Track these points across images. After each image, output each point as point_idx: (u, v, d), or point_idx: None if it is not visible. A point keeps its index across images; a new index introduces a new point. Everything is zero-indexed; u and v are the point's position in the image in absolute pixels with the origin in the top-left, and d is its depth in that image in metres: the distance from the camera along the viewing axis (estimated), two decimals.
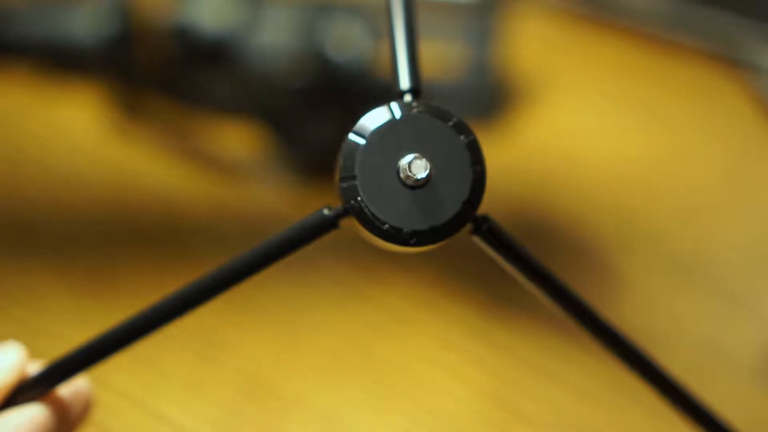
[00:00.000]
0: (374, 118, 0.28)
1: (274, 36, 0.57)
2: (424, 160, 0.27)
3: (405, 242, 0.27)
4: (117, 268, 0.48)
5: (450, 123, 0.28)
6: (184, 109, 0.56)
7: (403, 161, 0.27)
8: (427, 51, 0.61)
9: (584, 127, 0.63)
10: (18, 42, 0.58)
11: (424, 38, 0.60)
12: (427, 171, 0.27)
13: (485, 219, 0.28)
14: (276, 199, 0.55)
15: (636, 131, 0.63)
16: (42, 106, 0.59)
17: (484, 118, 0.61)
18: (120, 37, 0.58)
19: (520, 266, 0.30)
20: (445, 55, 0.61)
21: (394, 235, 0.27)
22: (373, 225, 0.27)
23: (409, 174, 0.27)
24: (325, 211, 0.28)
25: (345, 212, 0.27)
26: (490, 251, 0.29)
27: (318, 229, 0.28)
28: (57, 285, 0.46)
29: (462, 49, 0.60)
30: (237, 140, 0.57)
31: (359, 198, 0.27)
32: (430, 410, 0.42)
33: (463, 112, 0.60)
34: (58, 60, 0.59)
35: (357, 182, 0.27)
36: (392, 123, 0.28)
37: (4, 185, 0.53)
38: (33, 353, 0.43)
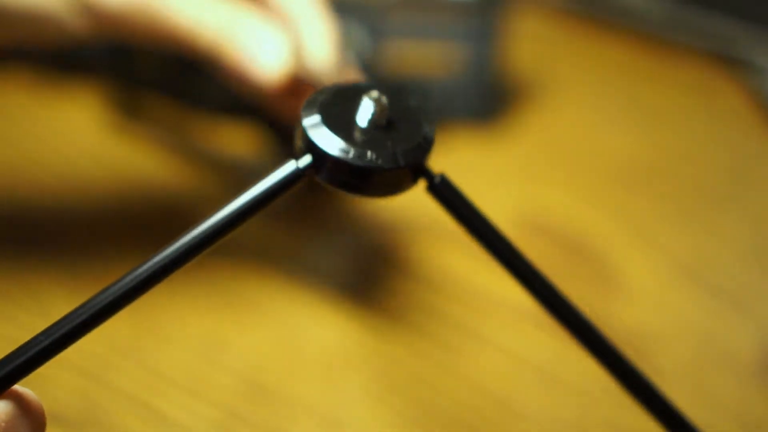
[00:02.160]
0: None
1: None
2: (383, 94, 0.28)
3: (369, 173, 0.28)
4: (120, 271, 0.48)
5: (406, 100, 0.30)
6: (184, 109, 0.57)
7: (365, 99, 0.28)
8: (428, 51, 0.61)
9: (582, 126, 0.63)
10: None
11: (425, 38, 0.61)
12: (386, 102, 0.28)
13: (441, 177, 0.29)
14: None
15: (634, 130, 0.63)
16: (42, 106, 0.60)
17: (484, 118, 0.61)
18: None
19: (470, 226, 0.30)
20: (445, 55, 0.61)
21: (361, 168, 0.27)
22: (339, 162, 0.27)
23: (373, 105, 0.28)
24: (295, 163, 0.28)
25: (312, 156, 0.28)
26: (444, 209, 0.30)
27: (289, 178, 0.28)
28: (60, 289, 0.46)
29: (462, 49, 0.60)
30: (237, 140, 0.57)
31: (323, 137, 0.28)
32: (429, 409, 0.43)
33: (463, 111, 0.60)
34: (59, 60, 0.59)
35: (322, 122, 0.28)
36: (353, 88, 0.29)
37: (5, 187, 0.53)
38: None
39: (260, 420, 0.41)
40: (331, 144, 0.27)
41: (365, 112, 0.28)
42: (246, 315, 0.46)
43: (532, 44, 0.71)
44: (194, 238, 0.29)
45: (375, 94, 0.28)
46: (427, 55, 0.62)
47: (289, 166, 0.28)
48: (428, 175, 0.29)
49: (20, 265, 0.41)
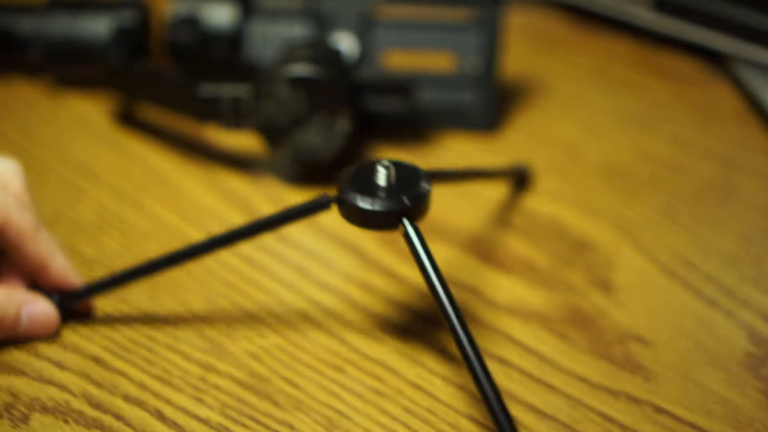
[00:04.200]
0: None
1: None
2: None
3: (361, 212, 0.40)
4: (128, 256, 0.49)
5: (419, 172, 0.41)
6: (168, 113, 0.58)
7: (378, 167, 0.41)
8: (428, 53, 0.61)
9: (578, 127, 0.63)
10: (36, 40, 0.61)
11: (426, 38, 0.61)
12: (393, 169, 0.40)
13: (413, 227, 0.40)
14: (273, 194, 0.56)
15: (629, 129, 0.63)
16: (52, 104, 0.61)
17: (482, 119, 0.61)
18: (137, 40, 0.62)
19: (420, 266, 0.40)
20: (445, 56, 0.61)
21: (355, 208, 0.40)
22: (346, 202, 0.40)
23: (383, 170, 0.40)
24: (327, 197, 0.41)
25: (337, 197, 0.41)
26: (409, 249, 0.40)
27: (319, 205, 0.41)
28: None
29: (463, 50, 0.61)
30: (238, 140, 0.59)
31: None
32: (430, 409, 0.43)
33: (463, 111, 0.60)
34: (74, 59, 0.61)
35: (348, 180, 0.41)
36: (375, 161, 0.41)
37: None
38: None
39: (261, 421, 0.41)
40: (348, 192, 0.40)
41: (378, 175, 0.40)
42: (246, 315, 0.47)
43: (528, 45, 0.71)
44: (245, 229, 0.43)
45: (385, 163, 0.40)
46: (427, 56, 0.62)
47: (322, 198, 0.41)
48: (404, 224, 0.40)
49: None
